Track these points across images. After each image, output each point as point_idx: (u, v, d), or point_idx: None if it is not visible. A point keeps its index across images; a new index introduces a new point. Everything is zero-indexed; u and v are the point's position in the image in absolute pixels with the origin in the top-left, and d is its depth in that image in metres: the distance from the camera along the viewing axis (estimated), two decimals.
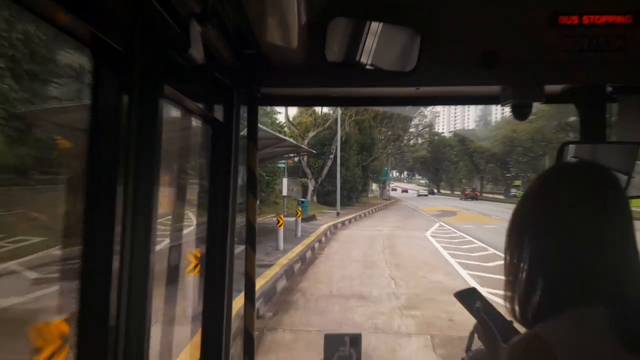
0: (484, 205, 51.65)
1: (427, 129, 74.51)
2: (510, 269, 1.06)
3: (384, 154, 59.13)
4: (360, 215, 33.04)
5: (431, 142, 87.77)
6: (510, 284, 1.05)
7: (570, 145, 1.91)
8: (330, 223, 24.12)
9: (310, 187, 39.96)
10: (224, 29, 1.38)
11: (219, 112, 1.76)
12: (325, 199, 41.29)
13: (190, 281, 4.15)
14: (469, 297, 1.54)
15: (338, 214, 31.34)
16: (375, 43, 1.68)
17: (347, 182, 41.44)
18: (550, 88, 1.83)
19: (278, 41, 1.54)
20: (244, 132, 1.92)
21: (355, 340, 1.86)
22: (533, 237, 1.03)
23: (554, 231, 1.01)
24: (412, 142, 70.91)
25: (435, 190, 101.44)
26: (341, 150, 36.23)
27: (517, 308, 1.04)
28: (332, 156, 38.63)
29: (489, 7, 1.72)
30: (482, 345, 1.45)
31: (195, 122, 1.76)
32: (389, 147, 59.10)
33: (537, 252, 1.02)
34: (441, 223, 28.09)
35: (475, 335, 1.47)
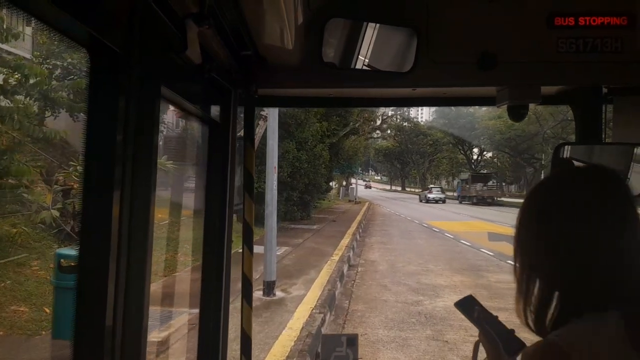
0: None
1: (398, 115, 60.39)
2: (522, 279, 1.02)
3: (366, 125, 36.26)
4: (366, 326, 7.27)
5: (399, 130, 69.60)
6: (523, 294, 1.01)
7: (567, 146, 1.92)
8: None
9: None
10: (221, 30, 1.38)
11: (216, 113, 1.76)
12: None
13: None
14: (468, 306, 1.45)
15: None
16: (373, 44, 1.69)
17: (301, 174, 20.73)
18: (547, 89, 1.84)
19: (275, 42, 1.54)
20: (241, 133, 1.92)
21: (352, 340, 1.86)
22: (547, 245, 1.00)
23: (569, 238, 0.98)
24: (385, 125, 55.14)
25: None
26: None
27: (531, 318, 1.00)
28: (264, 113, 13.74)
29: (485, 8, 1.72)
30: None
31: (193, 123, 1.76)
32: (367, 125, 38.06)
33: (552, 261, 0.99)
34: None
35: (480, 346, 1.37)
